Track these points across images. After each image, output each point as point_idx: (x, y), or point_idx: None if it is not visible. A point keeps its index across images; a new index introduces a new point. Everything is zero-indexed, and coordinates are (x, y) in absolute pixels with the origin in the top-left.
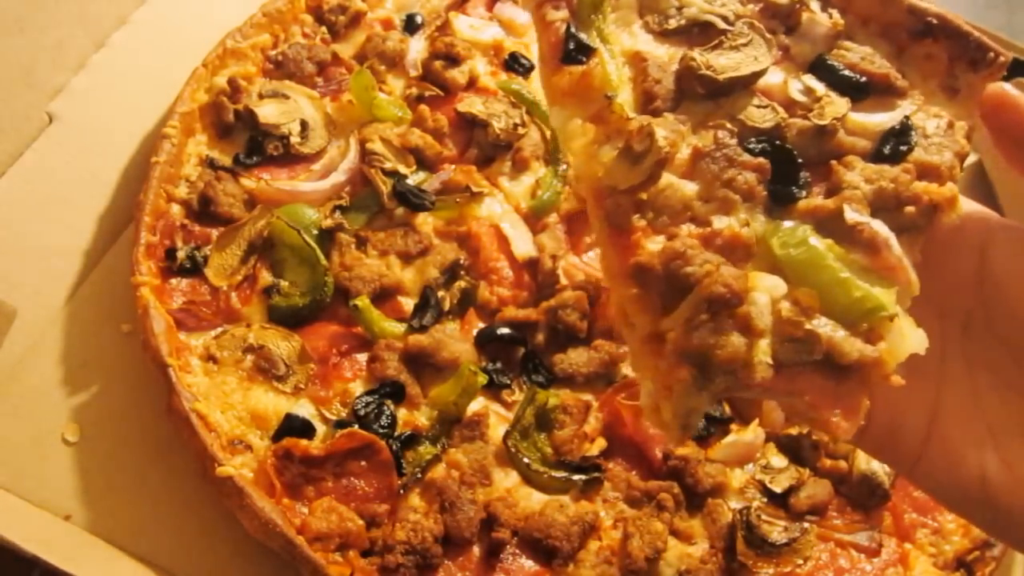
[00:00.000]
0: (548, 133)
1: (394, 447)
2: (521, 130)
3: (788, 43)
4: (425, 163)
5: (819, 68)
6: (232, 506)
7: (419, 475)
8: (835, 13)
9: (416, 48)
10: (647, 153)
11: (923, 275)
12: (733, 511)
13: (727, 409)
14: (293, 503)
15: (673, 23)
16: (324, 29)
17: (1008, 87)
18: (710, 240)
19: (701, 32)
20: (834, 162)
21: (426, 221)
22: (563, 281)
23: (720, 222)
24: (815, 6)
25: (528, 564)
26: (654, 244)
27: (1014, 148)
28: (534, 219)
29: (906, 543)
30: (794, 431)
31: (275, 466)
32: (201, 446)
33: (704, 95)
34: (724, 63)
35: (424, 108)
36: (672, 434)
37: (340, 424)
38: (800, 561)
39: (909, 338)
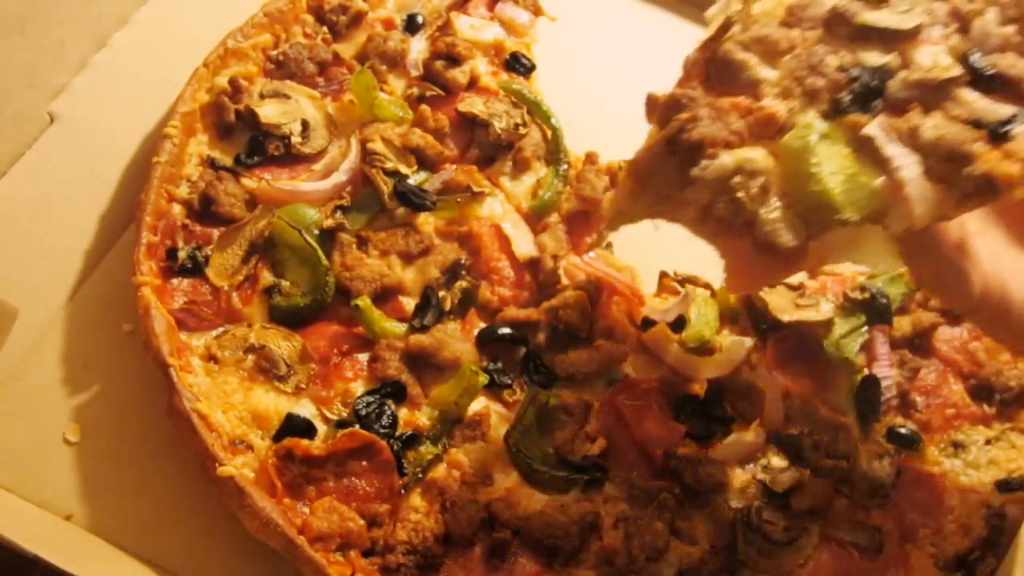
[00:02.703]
0: (549, 133)
1: (395, 447)
2: (522, 130)
3: (956, 39)
4: (426, 163)
5: (965, 61)
6: (233, 506)
7: (420, 475)
8: (1010, 30)
9: (417, 48)
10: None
11: None
12: (734, 511)
13: (729, 409)
14: (294, 503)
15: None
16: (325, 29)
17: None
18: (748, 111)
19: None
20: (915, 104)
21: (427, 221)
22: (564, 281)
23: (770, 102)
24: (991, 15)
25: (529, 564)
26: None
27: None
28: (535, 219)
29: (907, 543)
30: (795, 431)
31: (276, 466)
32: (202, 446)
33: (847, 36)
34: (872, 16)
35: (425, 108)
36: (602, 222)
37: (341, 424)
38: (801, 561)
39: (860, 248)
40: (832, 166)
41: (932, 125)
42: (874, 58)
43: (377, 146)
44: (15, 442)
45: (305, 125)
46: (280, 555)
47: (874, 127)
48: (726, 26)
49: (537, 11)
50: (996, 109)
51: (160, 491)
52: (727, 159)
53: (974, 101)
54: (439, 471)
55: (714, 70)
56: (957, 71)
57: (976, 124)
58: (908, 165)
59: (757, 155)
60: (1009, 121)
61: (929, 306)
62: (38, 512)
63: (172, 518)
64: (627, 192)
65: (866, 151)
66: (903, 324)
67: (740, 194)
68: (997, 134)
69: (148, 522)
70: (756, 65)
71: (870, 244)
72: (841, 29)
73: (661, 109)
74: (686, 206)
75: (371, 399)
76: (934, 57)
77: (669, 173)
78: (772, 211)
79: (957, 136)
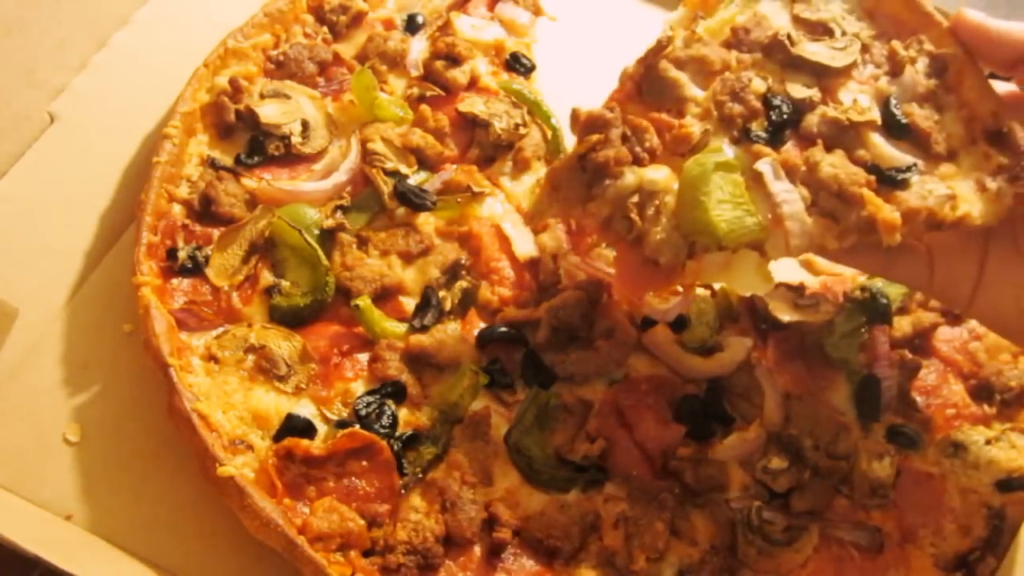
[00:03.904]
0: (549, 133)
1: (395, 447)
2: (522, 130)
3: (885, 80)
4: (426, 163)
5: (885, 106)
6: (233, 506)
7: (420, 475)
8: (935, 83)
9: (417, 48)
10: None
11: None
12: (734, 511)
13: (729, 409)
14: (294, 503)
15: (810, 15)
16: (325, 29)
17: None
18: (665, 127)
19: (823, 31)
20: (820, 142)
21: (427, 221)
22: (564, 281)
23: (689, 121)
24: (921, 65)
25: (529, 564)
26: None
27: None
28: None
29: (907, 543)
30: (795, 431)
31: (276, 466)
32: (202, 446)
33: (782, 63)
34: (808, 48)
35: (425, 108)
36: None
37: (341, 424)
38: (801, 561)
39: (732, 272)
40: (723, 195)
41: (830, 163)
42: (799, 90)
43: (377, 146)
44: (15, 442)
45: (305, 125)
46: (280, 555)
47: (764, 164)
48: (665, 42)
49: (537, 11)
50: (899, 157)
51: (160, 491)
52: (631, 178)
53: (881, 146)
54: (439, 471)
55: (647, 85)
56: (872, 116)
57: (873, 168)
58: (791, 201)
59: (660, 175)
60: (908, 169)
61: (929, 306)
62: (38, 512)
63: (172, 518)
64: (544, 194)
65: (758, 183)
66: (903, 324)
67: (633, 215)
68: (894, 180)
69: (148, 522)
70: (686, 84)
71: (744, 268)
72: (778, 55)
73: (581, 126)
74: (590, 215)
75: (371, 399)
76: (855, 97)
77: (578, 185)
78: (660, 231)
79: (849, 177)
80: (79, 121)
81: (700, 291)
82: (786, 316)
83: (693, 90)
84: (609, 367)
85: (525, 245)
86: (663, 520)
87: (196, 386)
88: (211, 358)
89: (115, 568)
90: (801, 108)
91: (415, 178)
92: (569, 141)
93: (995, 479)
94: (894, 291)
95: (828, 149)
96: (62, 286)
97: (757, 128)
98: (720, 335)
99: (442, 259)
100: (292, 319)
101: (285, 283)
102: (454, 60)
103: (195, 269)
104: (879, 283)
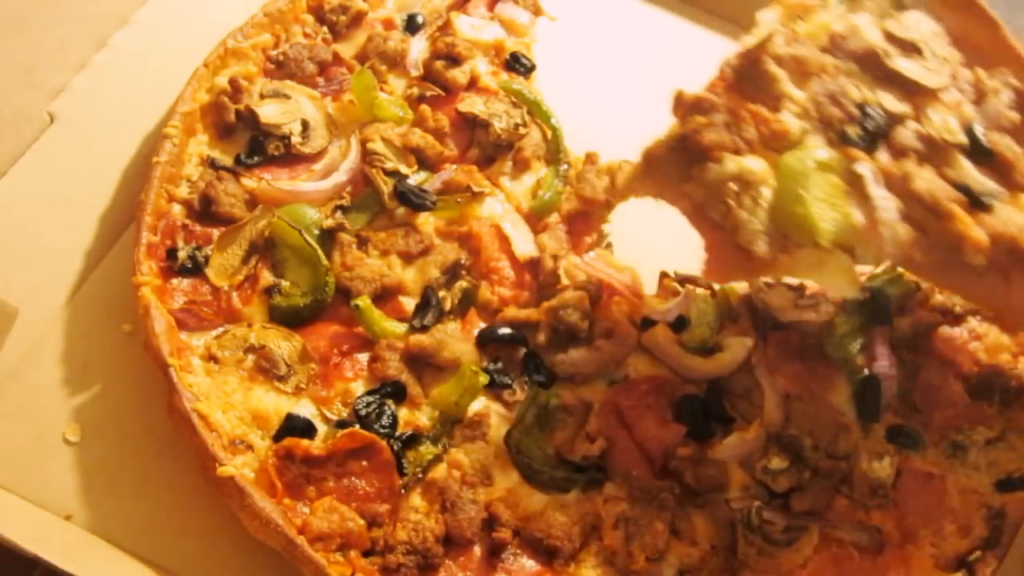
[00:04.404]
0: (549, 133)
1: (395, 447)
2: (522, 130)
3: (968, 107)
4: (426, 163)
5: (970, 131)
6: (233, 506)
7: (420, 475)
8: (1016, 115)
9: (417, 48)
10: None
11: None
12: (734, 511)
13: (729, 409)
14: (294, 503)
15: (901, 33)
16: (325, 29)
17: None
18: (766, 121)
19: (913, 50)
20: (914, 154)
21: (427, 221)
22: (564, 281)
23: (787, 118)
24: (1005, 97)
25: (529, 564)
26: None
27: None
28: (535, 219)
29: (907, 543)
30: (795, 431)
31: (276, 466)
32: (202, 446)
33: (875, 75)
34: (903, 64)
35: (425, 108)
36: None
37: (341, 424)
38: (801, 561)
39: (824, 271)
40: (821, 193)
41: (925, 177)
42: (891, 102)
43: (377, 146)
44: (15, 442)
45: (305, 125)
46: (280, 555)
47: (865, 167)
48: (768, 38)
49: (537, 11)
50: (983, 181)
51: (160, 491)
52: (731, 165)
53: (967, 168)
54: (439, 471)
55: (746, 77)
56: (962, 139)
57: (962, 189)
58: (887, 208)
59: (757, 166)
60: (993, 194)
61: (929, 306)
62: (38, 512)
63: (172, 518)
64: (638, 171)
65: (855, 186)
66: (903, 324)
67: (731, 201)
68: (980, 203)
69: (148, 522)
70: (784, 81)
71: (834, 269)
72: (872, 68)
73: (685, 107)
74: (684, 198)
75: (371, 399)
76: (944, 118)
77: (676, 166)
78: (757, 222)
79: (943, 193)
80: (79, 121)
81: (700, 291)
82: (786, 316)
83: (790, 87)
84: (609, 367)
85: (525, 245)
86: (663, 520)
87: (196, 386)
88: (211, 358)
89: (115, 568)
90: (894, 120)
91: (415, 178)
92: (569, 141)
93: (995, 479)
94: (894, 291)
95: (918, 164)
96: (62, 286)
97: (852, 133)
98: (720, 335)
99: (442, 259)
100: (292, 319)
101: (285, 283)
102: (454, 60)
103: (195, 269)
104: (879, 283)
